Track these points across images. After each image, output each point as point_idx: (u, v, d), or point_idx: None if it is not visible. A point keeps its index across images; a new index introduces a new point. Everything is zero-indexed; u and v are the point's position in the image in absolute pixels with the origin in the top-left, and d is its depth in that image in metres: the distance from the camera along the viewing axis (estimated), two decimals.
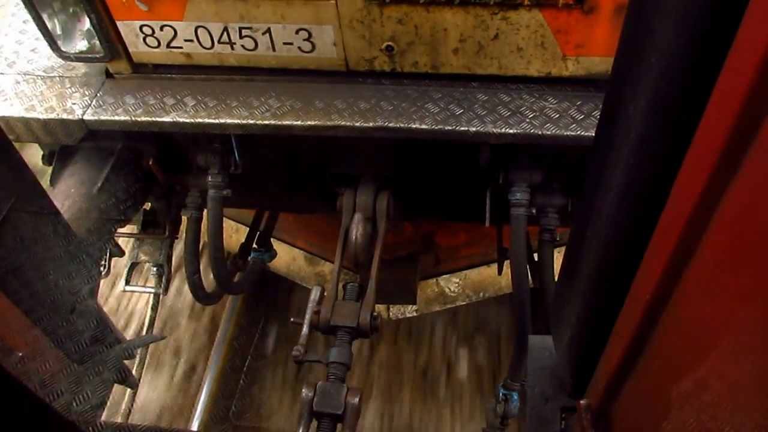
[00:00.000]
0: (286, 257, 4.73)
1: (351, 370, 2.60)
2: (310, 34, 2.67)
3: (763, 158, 0.76)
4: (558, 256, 3.23)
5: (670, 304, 1.06)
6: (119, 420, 3.81)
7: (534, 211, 2.91)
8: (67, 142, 2.92)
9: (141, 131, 2.85)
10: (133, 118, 2.76)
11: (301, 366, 2.65)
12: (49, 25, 2.74)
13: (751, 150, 0.78)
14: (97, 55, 2.84)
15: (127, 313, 5.35)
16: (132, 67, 2.94)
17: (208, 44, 2.77)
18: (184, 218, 3.43)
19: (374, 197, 3.03)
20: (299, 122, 2.69)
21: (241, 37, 2.72)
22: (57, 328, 2.37)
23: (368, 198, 3.02)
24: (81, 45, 2.83)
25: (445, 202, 3.43)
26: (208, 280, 3.61)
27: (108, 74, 2.97)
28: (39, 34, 2.79)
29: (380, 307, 4.55)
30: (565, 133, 2.54)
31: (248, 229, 4.32)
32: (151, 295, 3.83)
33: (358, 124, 2.65)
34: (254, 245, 4.31)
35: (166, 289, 3.66)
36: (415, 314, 4.67)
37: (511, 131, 2.57)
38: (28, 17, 2.75)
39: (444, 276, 4.61)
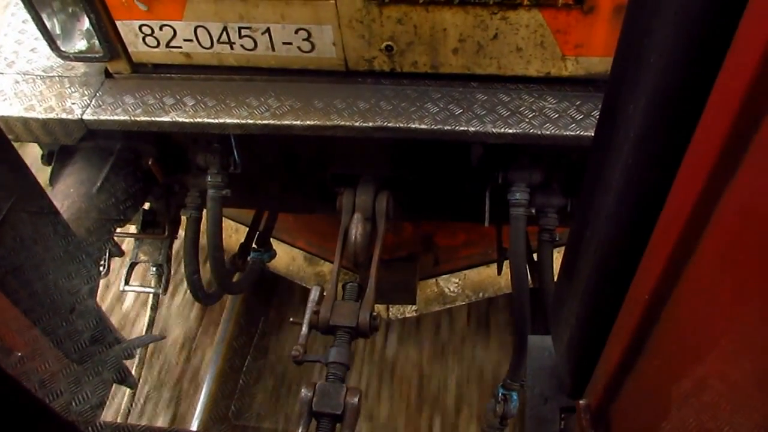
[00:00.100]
0: (286, 257, 4.73)
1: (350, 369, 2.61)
2: (309, 34, 2.67)
3: (762, 157, 0.76)
4: (557, 256, 3.23)
5: (670, 303, 1.06)
6: (118, 420, 3.81)
7: (533, 211, 2.91)
8: (67, 142, 2.92)
9: (140, 131, 2.85)
10: (133, 118, 2.76)
11: (301, 366, 2.64)
12: (48, 25, 2.74)
13: (750, 149, 0.78)
14: (97, 55, 2.84)
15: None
16: (131, 67, 2.94)
17: (208, 44, 2.77)
18: (183, 218, 3.43)
19: (374, 197, 3.03)
20: (298, 122, 2.69)
21: (240, 36, 2.72)
22: (56, 328, 2.37)
23: (368, 198, 3.02)
24: (80, 45, 2.83)
25: (445, 202, 3.43)
26: (208, 280, 3.61)
27: (107, 74, 2.97)
28: (38, 34, 2.79)
29: (380, 307, 4.55)
30: (565, 133, 2.55)
31: (248, 229, 4.32)
32: (151, 295, 3.83)
33: (357, 124, 2.65)
34: (254, 245, 4.31)
35: (166, 289, 3.66)
36: (414, 314, 4.67)
37: (511, 131, 2.58)
38: (28, 17, 2.75)
39: (443, 276, 4.61)
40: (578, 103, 2.63)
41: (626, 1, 1.11)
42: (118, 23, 2.75)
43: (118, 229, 3.09)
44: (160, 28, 2.74)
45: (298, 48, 2.73)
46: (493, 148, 2.84)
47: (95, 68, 2.98)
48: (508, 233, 2.93)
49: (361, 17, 2.57)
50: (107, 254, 3.14)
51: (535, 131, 2.56)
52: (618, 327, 1.29)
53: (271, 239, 4.50)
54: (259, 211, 4.30)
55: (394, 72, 2.78)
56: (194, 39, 2.76)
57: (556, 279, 2.90)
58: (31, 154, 3.20)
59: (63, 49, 2.83)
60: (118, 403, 4.01)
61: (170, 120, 2.75)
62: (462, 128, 2.60)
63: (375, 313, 2.71)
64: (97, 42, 2.78)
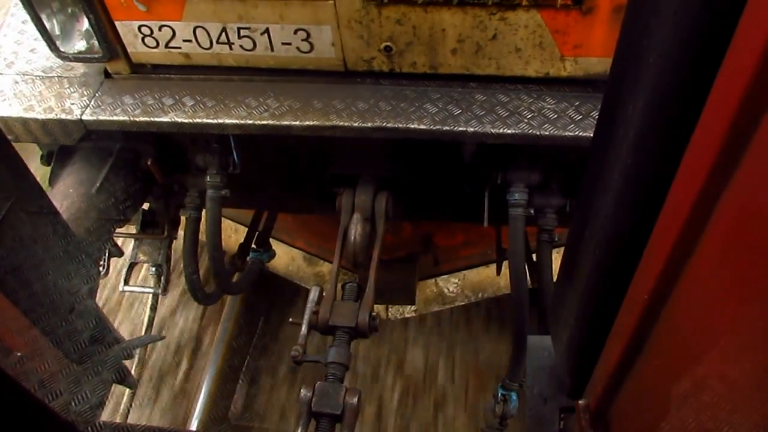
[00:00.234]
0: (285, 257, 4.73)
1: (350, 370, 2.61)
2: (308, 35, 2.67)
3: (761, 157, 0.76)
4: (557, 257, 3.23)
5: (669, 303, 1.06)
6: (118, 420, 3.81)
7: (532, 211, 2.92)
8: (66, 143, 2.92)
9: (139, 131, 2.85)
10: (132, 118, 2.76)
11: (300, 366, 2.64)
12: (47, 26, 2.74)
13: (749, 149, 0.78)
14: (96, 56, 2.84)
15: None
16: (130, 68, 2.94)
17: (207, 44, 2.77)
18: (183, 218, 3.43)
19: (373, 197, 3.03)
20: (298, 122, 2.69)
21: (239, 37, 2.72)
22: (56, 328, 2.37)
23: (367, 198, 3.02)
24: (79, 45, 2.83)
25: (444, 203, 3.43)
26: (207, 280, 3.61)
27: (107, 74, 2.97)
28: (37, 35, 2.79)
29: (379, 308, 4.55)
30: (564, 134, 2.55)
31: (247, 229, 4.32)
32: (150, 295, 3.83)
33: (356, 125, 2.65)
34: (253, 245, 4.31)
35: (165, 289, 3.66)
36: (413, 314, 4.67)
37: (510, 131, 2.58)
38: (27, 17, 2.75)
39: (443, 276, 4.61)
40: (577, 103, 2.63)
41: (625, 1, 1.11)
42: (117, 24, 2.75)
43: (118, 229, 3.09)
44: (159, 29, 2.74)
45: (297, 48, 2.73)
46: (492, 149, 2.84)
47: (94, 69, 2.98)
48: (508, 234, 2.93)
49: (360, 18, 2.57)
50: (107, 254, 3.15)
51: (534, 132, 2.56)
52: (617, 327, 1.29)
53: (271, 239, 4.50)
54: (258, 211, 4.30)
55: (393, 72, 2.78)
56: (193, 39, 2.76)
57: (555, 279, 2.91)
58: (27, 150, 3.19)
59: (62, 49, 2.83)
60: (117, 403, 4.00)
61: (169, 120, 2.75)
62: (461, 129, 2.60)
63: (374, 314, 2.71)
64: (96, 42, 2.78)
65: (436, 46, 2.63)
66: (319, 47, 2.71)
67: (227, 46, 2.76)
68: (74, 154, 3.06)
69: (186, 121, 2.74)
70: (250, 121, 2.71)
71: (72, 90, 2.90)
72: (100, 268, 2.88)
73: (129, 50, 2.86)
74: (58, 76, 2.97)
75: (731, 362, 0.90)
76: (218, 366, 4.84)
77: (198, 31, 2.72)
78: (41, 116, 2.80)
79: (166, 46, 2.80)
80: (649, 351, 1.18)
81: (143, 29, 2.75)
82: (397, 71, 2.77)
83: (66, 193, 2.88)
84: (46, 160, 3.16)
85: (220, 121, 2.72)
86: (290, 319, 2.76)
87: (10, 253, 2.25)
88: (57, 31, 2.79)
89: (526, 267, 3.09)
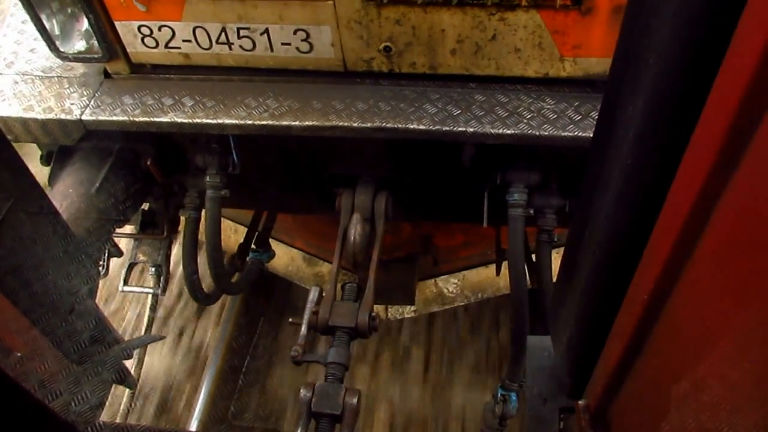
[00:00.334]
0: (285, 258, 4.74)
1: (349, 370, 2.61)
2: (308, 35, 2.67)
3: (761, 157, 0.76)
4: (556, 257, 3.23)
5: (668, 304, 1.07)
6: (118, 420, 3.81)
7: (532, 211, 2.92)
8: (66, 143, 2.92)
9: (139, 131, 2.85)
10: (132, 119, 2.76)
11: (300, 366, 2.64)
12: (47, 26, 2.73)
13: (748, 150, 0.78)
14: (96, 56, 2.84)
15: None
16: (130, 68, 2.94)
17: (207, 44, 2.77)
18: (182, 218, 3.43)
19: (373, 198, 3.03)
20: (297, 123, 2.69)
21: (239, 37, 2.72)
22: (56, 328, 2.37)
23: (367, 198, 3.02)
24: (79, 45, 2.83)
25: (444, 203, 3.43)
26: (207, 280, 3.61)
27: (106, 74, 2.97)
28: (37, 35, 2.79)
29: (379, 308, 4.55)
30: (563, 134, 2.55)
31: (246, 229, 4.32)
32: (150, 295, 3.83)
33: (356, 125, 2.65)
34: (252, 245, 4.31)
35: (165, 290, 3.66)
36: (413, 315, 4.67)
37: (509, 132, 2.58)
38: (27, 17, 2.75)
39: (442, 277, 4.61)
40: (576, 104, 2.63)
41: (624, 1, 1.11)
42: (116, 24, 2.75)
43: (117, 230, 3.09)
44: (159, 29, 2.74)
45: (297, 49, 2.73)
46: (492, 149, 2.84)
47: (94, 69, 2.98)
48: (507, 234, 2.93)
49: (360, 18, 2.57)
50: (106, 254, 3.15)
51: (534, 132, 2.56)
52: (617, 327, 1.29)
53: (270, 239, 4.50)
54: (257, 211, 4.30)
55: (392, 73, 2.78)
56: (193, 39, 2.76)
57: (554, 279, 2.91)
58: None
59: (62, 49, 2.83)
60: (117, 403, 4.00)
61: (169, 120, 2.75)
62: (460, 129, 2.60)
63: (374, 314, 2.72)
64: (95, 42, 2.78)
65: (436, 46, 2.63)
66: (318, 47, 2.71)
67: (227, 47, 2.76)
68: (74, 154, 3.06)
69: (185, 121, 2.74)
70: (250, 122, 2.71)
71: (71, 90, 2.90)
72: (100, 269, 2.88)
73: (129, 50, 2.86)
74: (57, 76, 2.97)
75: (731, 362, 0.90)
76: (218, 366, 4.84)
77: (197, 31, 2.72)
78: (41, 116, 2.80)
79: (166, 46, 2.80)
80: (649, 351, 1.18)
81: (143, 29, 2.75)
82: (397, 71, 2.77)
83: (66, 193, 2.88)
84: (45, 160, 3.16)
85: (220, 121, 2.72)
86: (290, 320, 2.76)
87: (10, 253, 2.25)
88: (57, 31, 2.78)
89: (526, 267, 3.09)
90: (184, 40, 2.77)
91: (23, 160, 2.29)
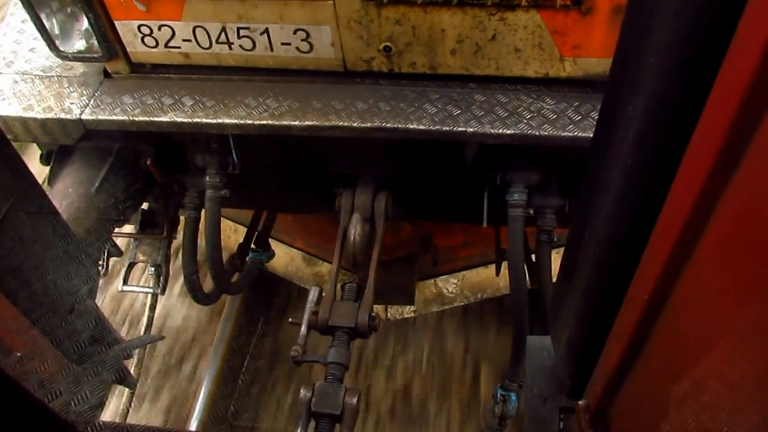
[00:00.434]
0: (285, 258, 4.74)
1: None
2: (308, 35, 2.67)
3: (761, 158, 0.76)
4: (556, 257, 3.23)
5: (669, 304, 1.06)
6: (117, 420, 3.80)
7: (531, 211, 2.92)
8: (65, 142, 2.91)
9: (139, 131, 2.85)
10: (131, 118, 2.76)
11: (300, 366, 2.64)
12: (47, 25, 2.73)
13: (749, 150, 0.78)
14: (95, 55, 2.84)
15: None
16: (130, 67, 2.94)
17: (206, 44, 2.77)
18: (182, 218, 3.43)
19: (372, 198, 3.03)
20: (297, 122, 2.69)
21: (239, 37, 2.72)
22: (56, 328, 2.37)
23: (366, 198, 3.02)
24: (79, 45, 2.83)
25: (444, 203, 3.43)
26: (206, 280, 3.61)
27: (106, 74, 2.97)
28: (37, 34, 2.79)
29: (378, 308, 4.55)
30: (563, 134, 2.55)
31: (246, 229, 4.32)
32: (149, 295, 3.83)
33: (355, 125, 2.65)
34: (252, 245, 4.31)
35: (164, 289, 3.66)
36: (413, 315, 4.67)
37: (509, 132, 2.58)
38: (27, 17, 2.75)
39: (442, 277, 4.61)
40: (576, 104, 2.63)
41: (624, 1, 1.11)
42: (116, 23, 2.75)
43: (117, 229, 3.09)
44: (159, 29, 2.74)
45: (297, 48, 2.73)
46: (492, 149, 2.84)
47: (94, 68, 2.98)
48: (507, 234, 2.94)
49: (360, 18, 2.57)
50: (106, 254, 3.14)
51: (534, 132, 2.56)
52: (617, 327, 1.29)
53: (270, 239, 4.50)
54: (257, 211, 4.30)
55: (392, 73, 2.78)
56: (193, 39, 2.76)
57: (554, 279, 2.91)
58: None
59: (62, 49, 2.83)
60: (117, 403, 4.00)
61: (169, 120, 2.75)
62: (460, 129, 2.60)
63: (374, 314, 2.72)
64: (95, 42, 2.78)
65: (436, 46, 2.63)
66: (318, 47, 2.71)
67: (227, 46, 2.76)
68: (73, 153, 3.06)
69: (185, 120, 2.74)
70: (250, 121, 2.71)
71: (71, 89, 2.90)
72: (100, 268, 2.88)
73: (128, 50, 2.86)
74: (57, 76, 2.97)
75: (731, 362, 0.90)
76: (218, 366, 4.83)
77: (197, 30, 2.72)
78: (40, 116, 2.80)
79: (166, 45, 2.80)
80: (649, 351, 1.18)
81: (143, 29, 2.75)
82: (397, 71, 2.77)
83: (65, 193, 2.88)
84: (45, 159, 3.16)
85: (220, 120, 2.72)
86: (290, 320, 2.76)
87: (10, 253, 2.25)
88: (56, 31, 2.78)
89: (526, 267, 3.09)
90: (184, 40, 2.77)
91: (23, 160, 2.29)
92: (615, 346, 1.30)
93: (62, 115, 2.80)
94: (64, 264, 2.52)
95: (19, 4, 2.67)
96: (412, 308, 4.60)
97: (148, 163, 3.11)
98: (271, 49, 2.75)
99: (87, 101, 2.83)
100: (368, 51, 2.70)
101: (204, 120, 2.73)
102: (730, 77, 0.81)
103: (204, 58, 2.83)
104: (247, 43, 2.74)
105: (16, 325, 2.19)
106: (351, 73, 2.81)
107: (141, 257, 3.62)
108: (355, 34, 2.64)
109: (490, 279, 4.50)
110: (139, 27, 2.74)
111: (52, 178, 3.06)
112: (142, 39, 2.79)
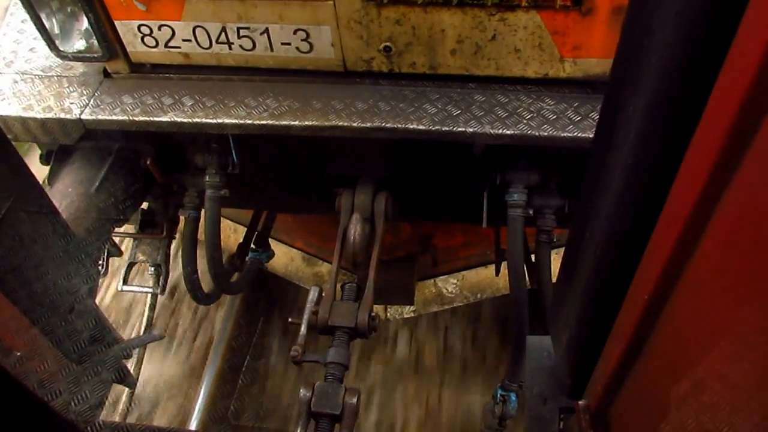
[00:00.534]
0: (284, 257, 4.74)
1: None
2: (307, 35, 2.67)
3: (762, 158, 0.76)
4: (556, 257, 3.23)
5: (669, 304, 1.07)
6: (117, 419, 3.80)
7: (531, 212, 2.92)
8: (65, 142, 2.91)
9: (139, 131, 2.84)
10: (131, 118, 2.76)
11: (300, 366, 2.64)
12: (47, 25, 2.73)
13: (749, 150, 0.78)
14: (95, 55, 2.84)
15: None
16: (130, 67, 2.93)
17: (206, 44, 2.77)
18: (182, 218, 3.43)
19: (372, 198, 3.03)
20: (297, 122, 2.69)
21: (239, 37, 2.72)
22: (55, 327, 2.37)
23: (366, 198, 3.02)
24: (79, 44, 2.83)
25: (443, 203, 3.43)
26: (206, 280, 3.60)
27: (106, 74, 2.96)
28: (37, 34, 2.79)
29: (378, 308, 4.55)
30: (563, 135, 2.55)
31: (246, 229, 4.32)
32: (149, 295, 3.83)
33: (355, 125, 2.65)
34: (252, 245, 4.31)
35: (164, 289, 3.66)
36: (412, 315, 4.67)
37: (509, 132, 2.58)
38: (27, 17, 2.75)
39: (442, 277, 4.62)
40: (576, 104, 2.63)
41: (624, 2, 1.11)
42: (116, 23, 2.74)
43: (117, 229, 3.09)
44: (159, 28, 2.74)
45: (297, 48, 2.73)
46: (491, 149, 2.84)
47: (94, 68, 2.98)
48: (507, 234, 2.93)
49: (360, 18, 2.57)
50: (106, 254, 3.14)
51: (533, 132, 2.56)
52: (617, 327, 1.29)
53: (270, 239, 4.50)
54: (257, 211, 4.30)
55: (392, 73, 2.78)
56: (193, 39, 2.76)
57: (554, 279, 2.91)
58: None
59: (61, 48, 2.82)
60: (117, 403, 4.00)
61: (169, 120, 2.75)
62: (460, 129, 2.60)
63: (374, 314, 2.72)
64: (95, 42, 2.78)
65: (436, 46, 2.63)
66: (318, 47, 2.71)
67: (227, 46, 2.76)
68: (73, 153, 3.06)
69: (185, 120, 2.73)
70: (250, 121, 2.71)
71: (71, 89, 2.90)
72: (100, 268, 2.88)
73: (128, 50, 2.85)
74: (57, 76, 2.97)
75: (731, 363, 0.90)
76: (218, 366, 4.84)
77: (197, 30, 2.72)
78: (40, 115, 2.80)
79: (166, 45, 2.80)
80: (649, 351, 1.18)
81: (143, 29, 2.75)
82: (397, 71, 2.77)
83: (65, 193, 2.88)
84: (45, 159, 3.16)
85: (220, 120, 2.72)
86: (290, 319, 2.75)
87: (9, 253, 2.25)
88: (56, 31, 2.78)
89: (525, 268, 3.09)
90: (184, 40, 2.77)
91: (23, 159, 2.29)
92: (615, 346, 1.30)
93: (62, 115, 2.80)
94: (63, 263, 2.51)
95: (19, 4, 2.67)
96: (412, 308, 4.60)
97: (148, 162, 3.11)
98: (271, 49, 2.75)
99: (87, 101, 2.83)
100: (368, 51, 2.70)
101: (204, 120, 2.73)
102: (731, 77, 0.82)
103: (204, 58, 2.83)
104: (247, 43, 2.74)
105: (16, 324, 2.19)
106: (351, 73, 2.81)
107: (141, 257, 3.62)
108: (355, 34, 2.64)
109: (490, 279, 4.51)
110: (139, 27, 2.74)
111: (52, 177, 3.05)
112: (142, 39, 2.79)
